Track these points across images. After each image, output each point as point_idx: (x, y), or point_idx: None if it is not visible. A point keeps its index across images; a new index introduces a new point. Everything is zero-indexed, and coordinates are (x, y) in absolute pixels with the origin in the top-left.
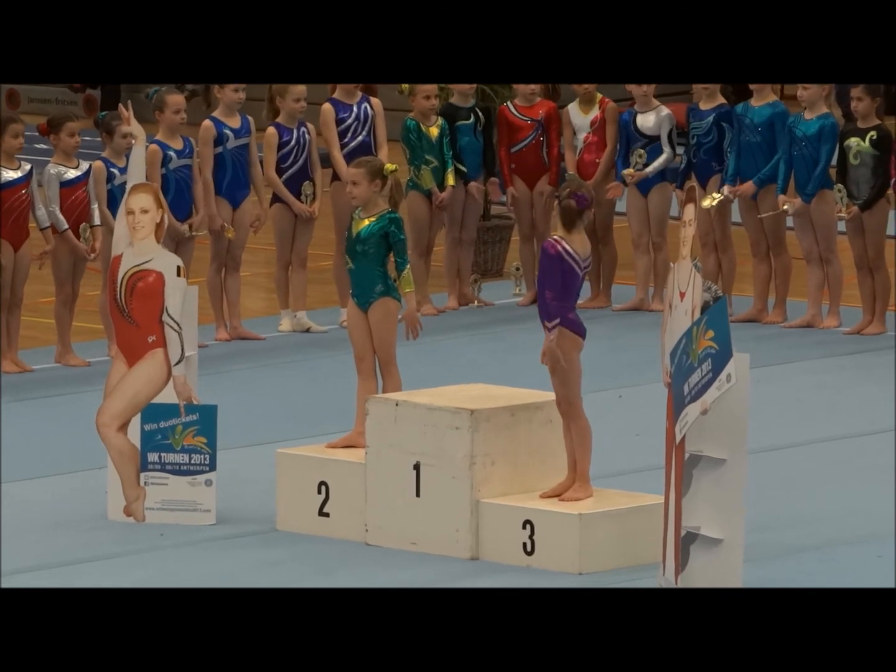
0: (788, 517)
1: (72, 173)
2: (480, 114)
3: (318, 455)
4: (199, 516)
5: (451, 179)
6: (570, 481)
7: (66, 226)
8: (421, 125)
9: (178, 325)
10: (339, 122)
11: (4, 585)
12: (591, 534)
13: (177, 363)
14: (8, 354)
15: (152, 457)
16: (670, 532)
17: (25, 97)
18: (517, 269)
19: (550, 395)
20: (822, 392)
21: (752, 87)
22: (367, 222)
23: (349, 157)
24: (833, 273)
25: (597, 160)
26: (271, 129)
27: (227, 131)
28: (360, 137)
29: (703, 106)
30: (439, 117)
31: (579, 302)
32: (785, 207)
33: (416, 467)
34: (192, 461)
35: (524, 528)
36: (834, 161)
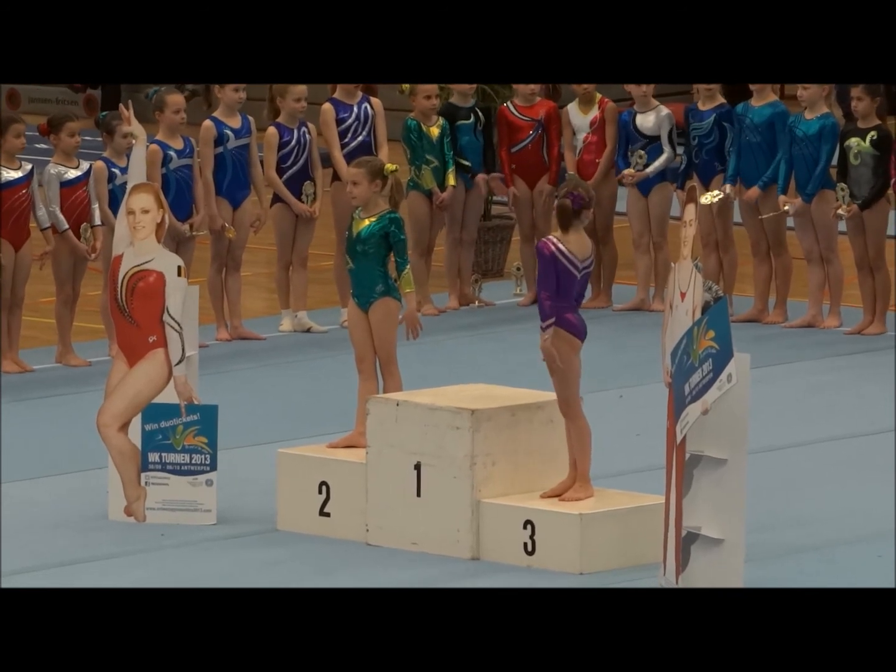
0: (788, 517)
1: (72, 173)
2: (480, 113)
3: (319, 455)
4: (199, 516)
5: (451, 179)
6: (571, 481)
7: (67, 226)
8: (422, 125)
9: (178, 325)
10: (339, 121)
11: (4, 585)
12: (591, 534)
13: (177, 363)
14: (8, 354)
15: (153, 457)
16: (671, 532)
17: (26, 97)
18: (518, 269)
19: (551, 396)
20: (823, 392)
21: (752, 87)
22: (367, 222)
23: (349, 157)
24: (834, 273)
25: (596, 160)
26: (272, 129)
27: (228, 131)
28: (360, 137)
29: (703, 106)
30: (440, 117)
31: None
32: (786, 208)
33: (417, 467)
34: (193, 461)
35: (525, 528)
36: (834, 161)
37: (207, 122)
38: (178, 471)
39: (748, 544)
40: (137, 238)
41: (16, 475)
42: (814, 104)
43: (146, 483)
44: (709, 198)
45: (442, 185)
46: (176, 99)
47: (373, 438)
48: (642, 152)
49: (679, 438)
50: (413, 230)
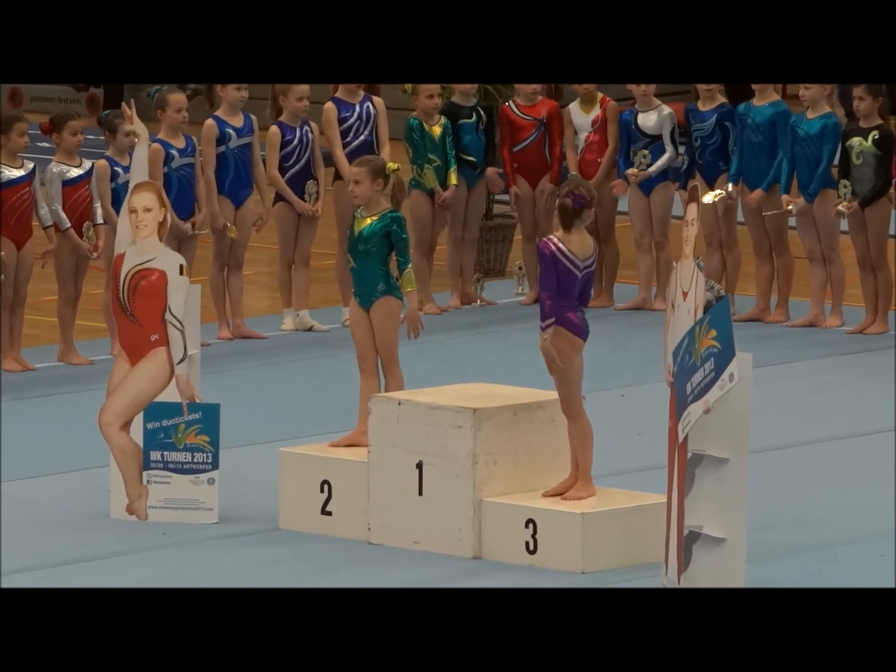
0: (790, 517)
1: (74, 172)
2: (482, 112)
3: (321, 454)
4: (201, 515)
5: (453, 178)
6: (573, 480)
7: (69, 224)
8: (424, 124)
9: (180, 323)
10: (341, 121)
11: (5, 585)
12: (593, 533)
13: (179, 362)
14: (10, 353)
15: (155, 455)
16: (673, 531)
17: (28, 96)
18: (520, 268)
19: (553, 395)
20: (825, 392)
21: (754, 86)
22: (369, 221)
23: (351, 156)
24: (835, 272)
25: (598, 159)
26: (274, 128)
27: (230, 130)
28: (362, 136)
29: (703, 107)
30: (442, 116)
31: None
32: (789, 207)
33: (419, 466)
34: (195, 460)
35: (527, 527)
36: (835, 161)
37: (209, 121)
38: (180, 469)
39: (750, 543)
40: (139, 237)
41: (17, 474)
42: (816, 104)
43: (148, 482)
44: (711, 196)
45: (444, 185)
46: (178, 98)
47: (374, 437)
48: (646, 151)
49: (681, 438)
50: (415, 229)
